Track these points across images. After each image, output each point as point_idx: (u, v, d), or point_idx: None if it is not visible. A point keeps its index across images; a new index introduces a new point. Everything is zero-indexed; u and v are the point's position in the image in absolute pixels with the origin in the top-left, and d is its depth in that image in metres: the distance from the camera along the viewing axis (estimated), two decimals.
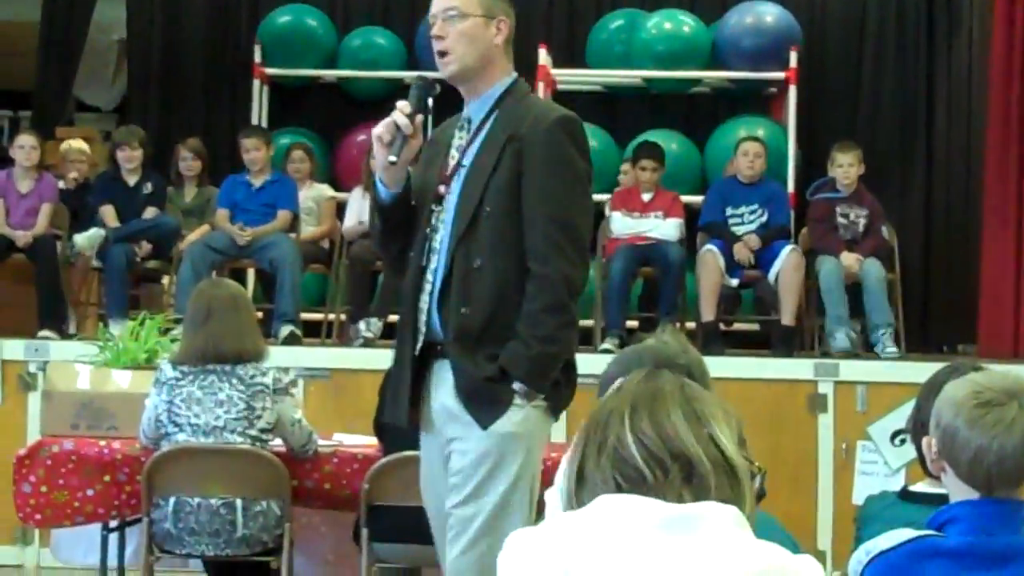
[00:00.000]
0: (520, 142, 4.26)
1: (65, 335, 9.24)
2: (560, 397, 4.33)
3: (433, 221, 4.32)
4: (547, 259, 4.21)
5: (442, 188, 4.33)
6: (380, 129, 4.21)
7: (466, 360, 4.22)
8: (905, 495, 3.69)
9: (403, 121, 4.20)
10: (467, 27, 4.28)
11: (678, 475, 2.09)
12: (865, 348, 9.48)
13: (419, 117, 4.25)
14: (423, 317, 4.30)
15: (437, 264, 4.28)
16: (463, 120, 4.40)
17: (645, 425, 2.11)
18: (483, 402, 4.22)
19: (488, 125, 4.35)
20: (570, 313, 4.30)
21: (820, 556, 8.26)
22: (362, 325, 9.40)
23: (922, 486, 3.63)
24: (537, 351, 4.19)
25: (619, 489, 2.10)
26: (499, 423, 4.21)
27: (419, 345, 4.30)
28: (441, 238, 4.29)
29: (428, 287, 4.30)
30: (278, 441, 6.03)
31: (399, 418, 4.35)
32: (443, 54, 4.31)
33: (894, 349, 9.28)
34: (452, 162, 4.35)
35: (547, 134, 4.27)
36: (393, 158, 4.20)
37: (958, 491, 3.13)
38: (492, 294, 4.22)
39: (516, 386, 4.21)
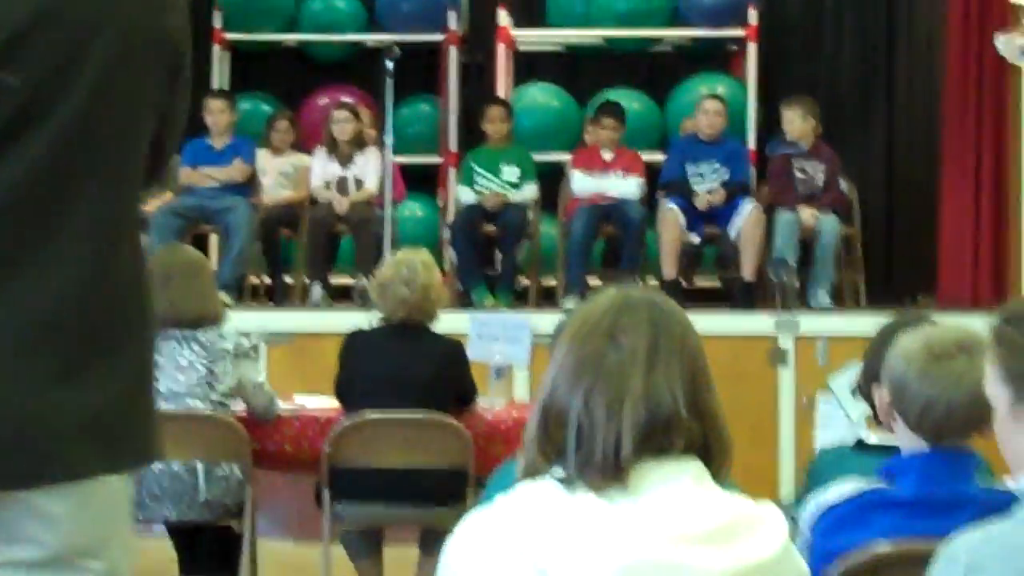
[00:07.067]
0: None
1: None
2: None
3: None
4: None
5: None
6: None
7: None
8: (859, 446, 3.72)
9: None
10: None
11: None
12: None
13: None
14: None
15: None
16: None
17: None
18: None
19: None
20: None
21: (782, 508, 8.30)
22: (315, 287, 9.56)
23: (876, 438, 3.66)
24: None
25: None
26: None
27: None
28: None
29: None
30: (241, 405, 6.03)
31: None
32: None
33: (828, 302, 9.36)
34: None
35: None
36: None
37: (908, 441, 3.17)
38: None
39: None
